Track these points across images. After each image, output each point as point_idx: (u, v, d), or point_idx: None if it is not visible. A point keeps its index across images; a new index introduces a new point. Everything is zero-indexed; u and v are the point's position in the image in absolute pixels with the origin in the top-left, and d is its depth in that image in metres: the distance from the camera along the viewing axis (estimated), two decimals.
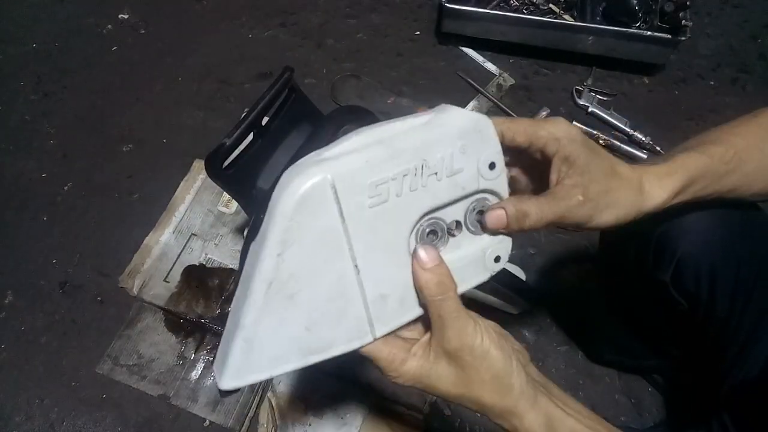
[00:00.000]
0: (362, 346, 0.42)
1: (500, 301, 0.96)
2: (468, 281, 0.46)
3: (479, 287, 0.49)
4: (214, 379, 0.40)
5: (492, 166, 0.43)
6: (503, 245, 0.47)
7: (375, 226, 0.39)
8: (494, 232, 0.46)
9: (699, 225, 0.59)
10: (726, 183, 0.51)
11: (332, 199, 0.37)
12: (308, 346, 0.40)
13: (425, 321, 0.44)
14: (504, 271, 0.52)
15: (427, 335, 0.43)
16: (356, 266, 0.40)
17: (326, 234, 0.38)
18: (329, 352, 0.41)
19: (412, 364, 0.42)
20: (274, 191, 0.38)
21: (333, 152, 0.39)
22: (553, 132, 0.44)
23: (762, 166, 0.51)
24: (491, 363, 0.41)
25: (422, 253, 0.41)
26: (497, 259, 0.47)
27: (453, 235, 0.45)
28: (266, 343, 0.39)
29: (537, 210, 0.43)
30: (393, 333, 0.44)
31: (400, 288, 0.42)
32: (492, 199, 0.45)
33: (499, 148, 0.43)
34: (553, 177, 0.45)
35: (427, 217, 0.43)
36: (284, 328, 0.39)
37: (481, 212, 0.45)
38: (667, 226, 0.61)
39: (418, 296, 0.43)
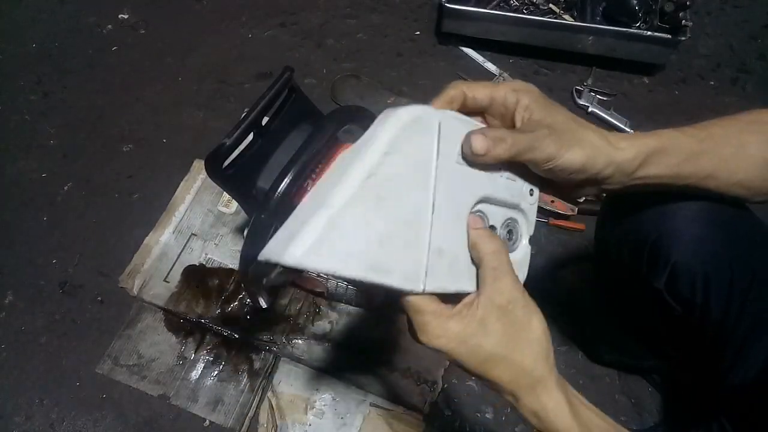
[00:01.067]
0: (412, 292, 0.41)
1: None
2: None
3: None
4: (270, 255, 0.36)
5: (531, 192, 0.49)
6: (522, 267, 0.50)
7: (455, 181, 0.42)
8: (483, 166, 0.45)
9: (692, 231, 0.59)
10: (703, 165, 0.50)
11: (436, 134, 0.41)
12: (376, 260, 0.38)
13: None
14: None
15: (471, 296, 0.43)
16: (434, 205, 0.41)
17: (423, 160, 0.40)
18: (386, 278, 0.39)
19: (456, 324, 0.41)
20: (381, 115, 0.40)
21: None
22: (511, 85, 0.46)
23: (740, 153, 0.50)
24: (538, 323, 0.43)
25: (477, 219, 0.44)
26: None
27: None
28: (347, 234, 0.37)
29: (510, 137, 0.43)
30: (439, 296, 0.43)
31: (453, 251, 0.43)
32: (522, 223, 0.49)
33: (538, 181, 0.49)
34: (518, 120, 0.46)
35: (478, 207, 0.46)
36: (365, 228, 0.38)
37: (511, 232, 0.49)
38: (660, 233, 0.61)
39: (472, 256, 0.44)
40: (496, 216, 0.47)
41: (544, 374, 0.43)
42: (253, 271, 0.71)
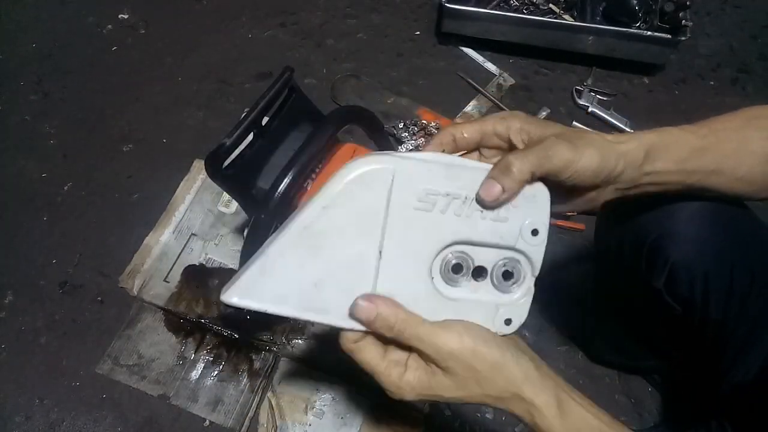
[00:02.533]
0: (352, 330, 0.44)
1: None
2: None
3: None
4: (224, 300, 0.44)
5: (535, 232, 0.45)
6: (519, 310, 0.47)
7: (411, 227, 0.43)
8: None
9: (691, 231, 0.59)
10: (707, 160, 0.49)
11: (387, 185, 0.42)
12: (309, 300, 0.43)
13: None
14: None
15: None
16: (380, 252, 0.43)
17: (369, 212, 0.43)
18: (323, 317, 0.44)
19: (410, 377, 0.43)
20: (340, 169, 0.43)
21: (404, 153, 0.45)
22: (497, 115, 0.47)
23: (742, 149, 0.50)
24: (481, 357, 0.42)
25: (360, 302, 0.43)
26: (507, 322, 0.47)
27: (476, 280, 0.46)
28: (277, 277, 0.43)
29: (517, 159, 0.43)
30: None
31: (408, 296, 0.44)
32: (524, 264, 0.46)
33: (547, 219, 0.45)
34: (518, 143, 0.47)
35: (457, 248, 0.45)
36: (298, 273, 0.43)
37: (509, 273, 0.46)
38: (659, 232, 0.61)
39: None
40: (487, 257, 0.45)
41: (515, 392, 0.43)
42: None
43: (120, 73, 1.44)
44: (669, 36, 1.26)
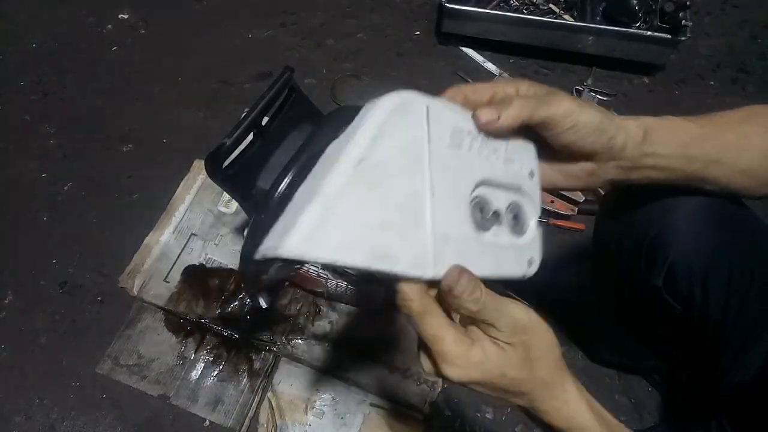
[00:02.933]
0: (422, 278, 0.39)
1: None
2: (502, 270, 0.47)
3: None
4: (265, 250, 0.34)
5: (531, 174, 0.48)
6: (535, 249, 0.49)
7: (450, 166, 0.41)
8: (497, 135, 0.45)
9: (690, 230, 0.59)
10: (708, 149, 0.49)
11: (425, 119, 0.40)
12: (379, 246, 0.37)
13: None
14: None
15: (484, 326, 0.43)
16: (432, 189, 0.40)
17: (414, 145, 0.39)
18: (394, 266, 0.38)
19: (477, 352, 0.40)
20: (367, 104, 0.39)
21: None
22: (508, 79, 0.49)
23: (743, 141, 0.50)
24: (543, 334, 0.43)
25: (464, 274, 0.39)
26: (530, 262, 0.48)
27: (498, 225, 0.47)
28: (344, 220, 0.35)
29: (518, 99, 0.44)
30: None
31: (459, 240, 0.42)
32: (527, 206, 0.48)
33: (536, 162, 0.49)
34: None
35: (478, 192, 0.45)
36: (362, 213, 0.36)
37: (517, 216, 0.48)
38: (658, 231, 0.61)
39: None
40: (499, 200, 0.47)
41: (561, 378, 0.44)
42: (251, 270, 0.71)
43: (120, 73, 1.44)
44: (669, 36, 1.26)
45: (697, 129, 0.50)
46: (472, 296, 0.39)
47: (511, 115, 0.43)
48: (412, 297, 0.39)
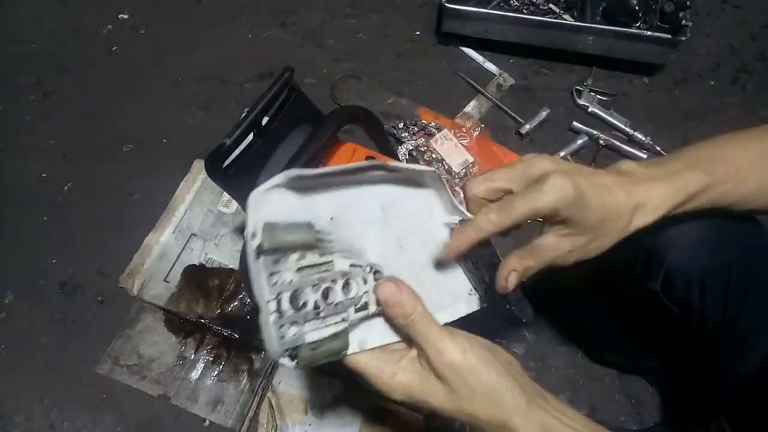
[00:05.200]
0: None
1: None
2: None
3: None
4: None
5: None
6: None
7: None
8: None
9: (687, 234, 0.59)
10: (723, 200, 0.51)
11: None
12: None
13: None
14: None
15: (413, 352, 0.44)
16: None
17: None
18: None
19: (402, 378, 0.42)
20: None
21: None
22: (549, 203, 0.45)
23: (760, 186, 0.51)
24: (478, 378, 0.41)
25: (388, 283, 0.42)
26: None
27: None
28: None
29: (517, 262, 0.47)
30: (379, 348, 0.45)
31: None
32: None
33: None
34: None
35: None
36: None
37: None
38: (655, 236, 0.61)
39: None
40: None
41: (502, 419, 0.42)
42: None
43: (120, 73, 1.44)
44: (669, 36, 1.26)
45: (722, 187, 0.50)
46: (402, 310, 0.42)
47: (456, 243, 0.46)
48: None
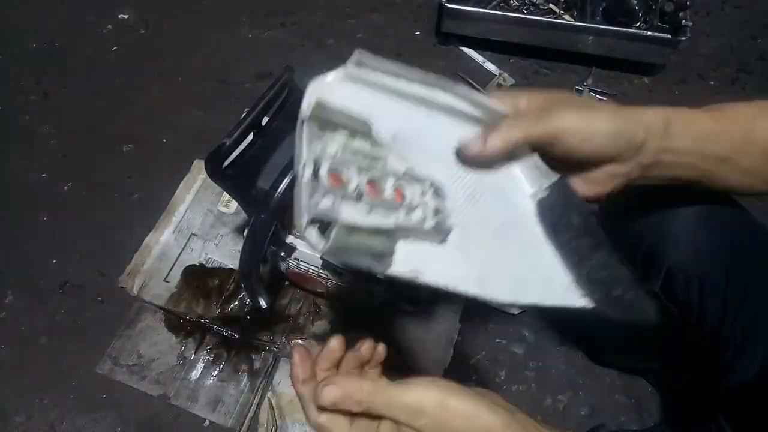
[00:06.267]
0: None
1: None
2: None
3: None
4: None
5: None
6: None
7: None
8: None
9: (686, 235, 0.59)
10: (719, 148, 0.48)
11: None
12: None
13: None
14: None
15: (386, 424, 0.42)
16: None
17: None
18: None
19: (324, 420, 0.42)
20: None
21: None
22: (499, 94, 0.44)
23: (750, 137, 0.49)
24: (453, 411, 0.38)
25: (325, 389, 0.40)
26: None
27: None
28: None
29: (512, 121, 0.41)
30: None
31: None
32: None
33: None
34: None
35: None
36: None
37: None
38: (655, 237, 0.61)
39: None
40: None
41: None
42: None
43: (120, 73, 1.44)
44: (669, 36, 1.26)
45: (712, 124, 0.48)
46: (353, 399, 0.39)
47: (498, 141, 0.40)
48: (312, 411, 0.43)
